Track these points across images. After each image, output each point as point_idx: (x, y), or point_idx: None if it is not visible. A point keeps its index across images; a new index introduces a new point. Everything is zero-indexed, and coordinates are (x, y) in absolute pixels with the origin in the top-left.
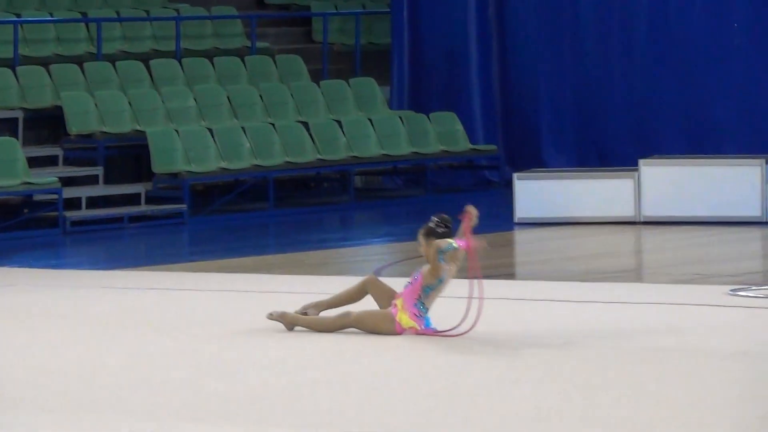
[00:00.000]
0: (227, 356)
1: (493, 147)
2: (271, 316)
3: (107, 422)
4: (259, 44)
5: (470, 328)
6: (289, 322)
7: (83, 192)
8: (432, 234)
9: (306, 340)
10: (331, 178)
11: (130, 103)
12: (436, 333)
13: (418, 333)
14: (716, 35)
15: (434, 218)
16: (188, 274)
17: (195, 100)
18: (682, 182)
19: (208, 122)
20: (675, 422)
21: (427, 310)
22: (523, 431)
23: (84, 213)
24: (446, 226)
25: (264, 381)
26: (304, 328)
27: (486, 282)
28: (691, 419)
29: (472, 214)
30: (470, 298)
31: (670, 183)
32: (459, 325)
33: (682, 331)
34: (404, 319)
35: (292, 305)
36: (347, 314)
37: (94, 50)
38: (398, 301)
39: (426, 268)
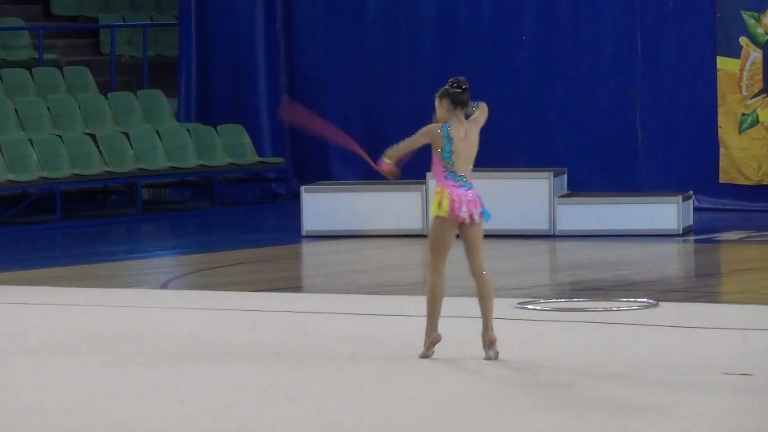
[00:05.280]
0: (13, 370)
1: (280, 159)
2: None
3: None
4: (47, 56)
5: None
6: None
7: None
8: (445, 94)
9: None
10: (118, 191)
11: None
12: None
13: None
14: (504, 47)
15: (450, 80)
16: None
17: None
18: None
19: None
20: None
21: (457, 174)
22: None
23: None
24: (460, 87)
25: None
26: None
27: (273, 295)
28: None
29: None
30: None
31: None
32: None
33: (465, 345)
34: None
35: (80, 318)
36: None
37: None
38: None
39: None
